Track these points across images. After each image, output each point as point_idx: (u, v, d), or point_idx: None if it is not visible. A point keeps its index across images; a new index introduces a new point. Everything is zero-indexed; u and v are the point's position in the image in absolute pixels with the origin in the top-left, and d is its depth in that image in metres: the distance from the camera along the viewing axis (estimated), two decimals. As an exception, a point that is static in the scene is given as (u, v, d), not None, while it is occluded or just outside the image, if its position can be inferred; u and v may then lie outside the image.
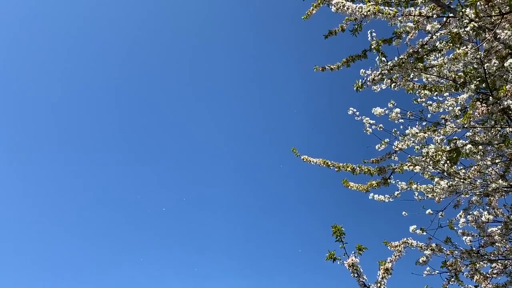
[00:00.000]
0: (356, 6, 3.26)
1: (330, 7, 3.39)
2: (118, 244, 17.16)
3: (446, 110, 3.65)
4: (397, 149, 3.84)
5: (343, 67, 4.31)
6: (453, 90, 3.53)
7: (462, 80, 3.16)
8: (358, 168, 4.65)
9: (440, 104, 3.75)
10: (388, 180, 4.43)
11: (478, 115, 2.95)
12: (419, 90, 3.85)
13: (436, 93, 3.56)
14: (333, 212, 14.60)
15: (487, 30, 3.02)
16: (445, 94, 3.33)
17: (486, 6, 3.16)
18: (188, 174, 18.43)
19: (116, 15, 15.62)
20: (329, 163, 4.79)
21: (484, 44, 3.15)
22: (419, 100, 3.63)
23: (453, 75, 3.48)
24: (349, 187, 4.87)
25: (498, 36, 3.02)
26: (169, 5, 15.67)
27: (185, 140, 17.77)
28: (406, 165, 4.01)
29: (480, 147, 3.28)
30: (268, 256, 16.85)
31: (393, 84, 3.60)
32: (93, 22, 15.68)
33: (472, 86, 3.16)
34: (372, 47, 3.86)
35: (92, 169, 18.08)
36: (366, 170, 4.64)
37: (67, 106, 17.11)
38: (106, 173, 18.10)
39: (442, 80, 3.70)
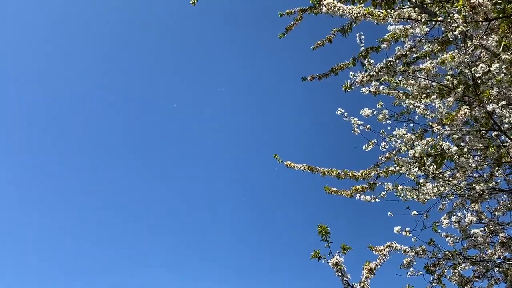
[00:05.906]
0: (347, 7, 3.28)
1: (321, 7, 3.41)
2: (117, 244, 16.88)
3: (433, 117, 3.68)
4: (385, 159, 3.87)
5: (332, 75, 4.34)
6: (439, 99, 3.57)
7: (449, 83, 3.22)
8: (343, 173, 4.64)
9: (427, 110, 3.79)
10: (374, 185, 4.44)
11: (460, 117, 2.98)
12: (406, 100, 3.87)
13: (424, 100, 3.59)
14: (318, 211, 14.59)
15: (473, 37, 3.08)
16: (432, 97, 3.37)
17: (471, 12, 3.23)
18: (183, 173, 18.31)
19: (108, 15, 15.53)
20: (314, 169, 4.74)
21: (470, 51, 3.20)
22: (407, 102, 3.66)
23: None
24: (332, 193, 4.83)
25: (484, 42, 3.09)
26: (161, 13, 15.67)
27: (179, 141, 17.69)
28: (393, 170, 4.04)
29: (466, 149, 3.32)
30: (253, 256, 16.73)
31: (382, 86, 3.64)
32: (89, 23, 15.55)
33: (459, 90, 3.21)
34: (361, 55, 3.90)
35: (90, 168, 17.83)
36: (351, 175, 4.64)
37: (66, 105, 16.87)
38: (105, 172, 17.85)
39: (429, 87, 3.75)
